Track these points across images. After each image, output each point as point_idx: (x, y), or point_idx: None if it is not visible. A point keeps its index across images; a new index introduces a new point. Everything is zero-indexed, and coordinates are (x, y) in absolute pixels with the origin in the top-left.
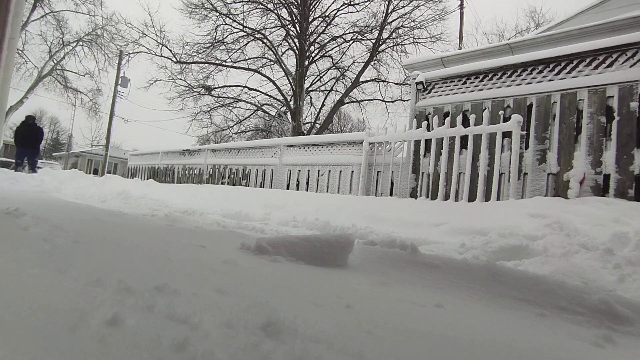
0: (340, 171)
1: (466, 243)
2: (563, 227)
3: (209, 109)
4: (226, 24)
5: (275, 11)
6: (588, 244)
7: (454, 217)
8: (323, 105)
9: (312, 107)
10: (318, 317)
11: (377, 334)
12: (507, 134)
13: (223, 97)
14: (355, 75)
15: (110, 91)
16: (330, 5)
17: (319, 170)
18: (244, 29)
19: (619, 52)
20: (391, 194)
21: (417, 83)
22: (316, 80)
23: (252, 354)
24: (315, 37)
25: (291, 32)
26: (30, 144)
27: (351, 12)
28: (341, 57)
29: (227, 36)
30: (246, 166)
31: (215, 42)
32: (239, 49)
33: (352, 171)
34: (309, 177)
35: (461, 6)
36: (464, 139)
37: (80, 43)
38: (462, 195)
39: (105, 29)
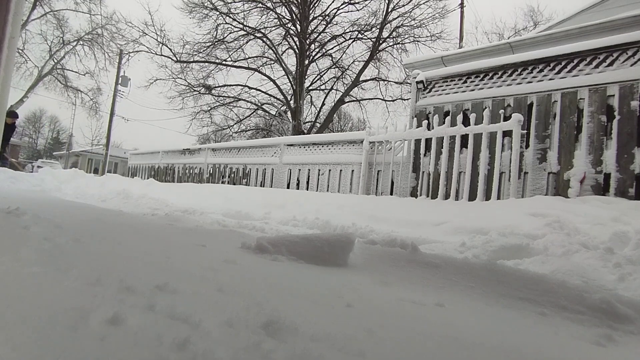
0: (341, 170)
1: (466, 242)
2: (563, 226)
3: (209, 108)
4: (226, 22)
5: (275, 10)
6: (588, 243)
7: (455, 217)
8: (323, 104)
9: (312, 106)
10: (319, 316)
11: (377, 333)
12: (507, 133)
13: (223, 96)
14: (355, 74)
15: (111, 90)
16: (330, 4)
17: (319, 170)
18: (244, 28)
19: (619, 51)
20: (391, 193)
21: (417, 82)
22: (316, 79)
23: (253, 353)
24: (315, 36)
25: (291, 31)
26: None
27: (351, 11)
28: (341, 56)
29: (227, 35)
30: (246, 165)
31: (216, 41)
32: (239, 48)
33: (353, 170)
34: (309, 176)
35: (462, 5)
36: (465, 138)
37: (81, 42)
38: (462, 194)
39: (106, 28)
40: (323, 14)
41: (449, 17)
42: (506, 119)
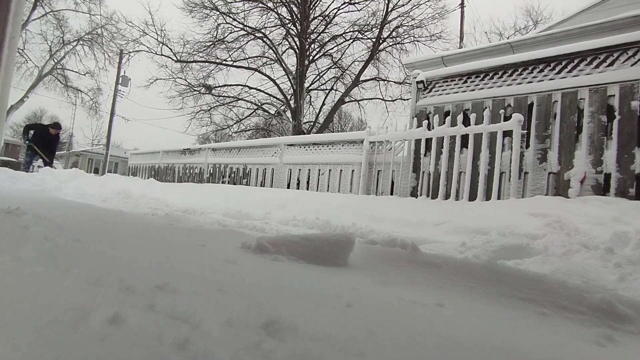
0: (341, 170)
1: (467, 242)
2: (564, 226)
3: (209, 107)
4: (227, 22)
5: (276, 10)
6: (589, 243)
7: (455, 217)
8: (323, 104)
9: (311, 106)
10: (319, 316)
11: (377, 333)
12: (507, 133)
13: (223, 96)
14: (355, 74)
15: (111, 90)
16: (330, 4)
17: (319, 170)
18: (245, 28)
19: (620, 51)
20: (392, 193)
21: (417, 82)
22: (316, 79)
23: (253, 352)
24: (315, 36)
25: (291, 31)
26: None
27: (351, 11)
28: (341, 56)
29: (227, 35)
30: (247, 165)
31: (216, 41)
32: (240, 47)
33: (353, 170)
34: (309, 176)
35: (462, 5)
36: (465, 138)
37: (81, 42)
38: (462, 194)
39: (106, 27)
40: (323, 14)
41: (449, 17)
42: (506, 119)
